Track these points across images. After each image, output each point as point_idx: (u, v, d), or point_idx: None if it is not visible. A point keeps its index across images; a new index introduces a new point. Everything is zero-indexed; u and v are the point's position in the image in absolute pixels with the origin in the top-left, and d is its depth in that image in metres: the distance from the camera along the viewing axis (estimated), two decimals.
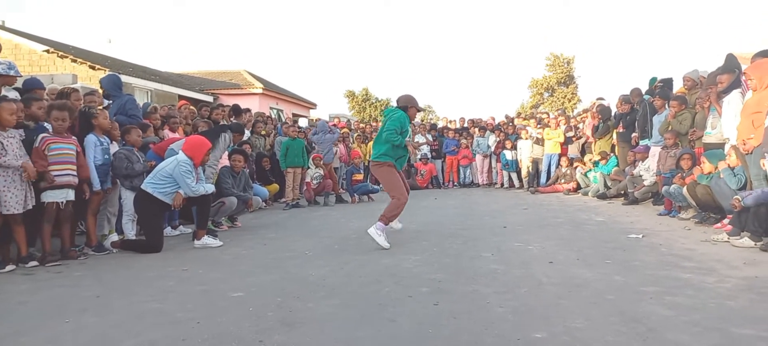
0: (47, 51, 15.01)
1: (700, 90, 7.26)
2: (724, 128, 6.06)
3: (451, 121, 15.18)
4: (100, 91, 6.67)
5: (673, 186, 6.68)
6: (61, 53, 15.02)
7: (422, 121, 19.36)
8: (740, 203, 4.78)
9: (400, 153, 5.29)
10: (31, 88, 5.73)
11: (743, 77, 5.78)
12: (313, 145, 10.19)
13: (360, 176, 10.35)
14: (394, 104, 5.66)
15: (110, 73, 8.08)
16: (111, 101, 6.37)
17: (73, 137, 4.81)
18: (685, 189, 6.31)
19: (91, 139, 5.04)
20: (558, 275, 3.75)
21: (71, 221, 4.86)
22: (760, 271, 3.76)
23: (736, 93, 5.86)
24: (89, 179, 4.91)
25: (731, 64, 6.21)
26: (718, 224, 5.71)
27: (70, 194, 4.66)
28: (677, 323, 2.69)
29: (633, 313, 2.87)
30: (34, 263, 4.42)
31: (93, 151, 5.01)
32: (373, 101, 38.92)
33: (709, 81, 7.01)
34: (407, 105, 5.40)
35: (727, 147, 5.98)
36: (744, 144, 5.33)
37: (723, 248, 4.66)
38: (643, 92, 9.43)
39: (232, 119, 8.77)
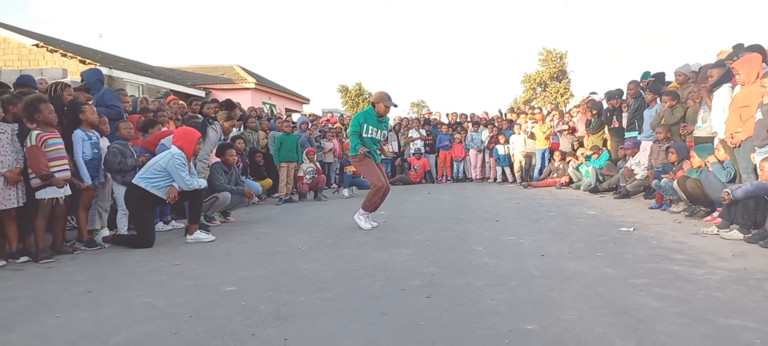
0: (37, 45, 14.83)
1: (693, 84, 7.31)
2: (713, 122, 6.11)
3: (448, 114, 15.14)
4: (81, 82, 6.59)
5: (663, 180, 6.73)
6: (50, 47, 14.85)
7: (417, 115, 19.37)
8: (730, 195, 4.83)
9: (371, 146, 5.75)
10: (25, 84, 5.67)
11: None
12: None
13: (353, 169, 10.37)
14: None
15: (92, 67, 8.02)
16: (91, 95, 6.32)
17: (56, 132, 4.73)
18: (675, 183, 6.36)
19: (78, 134, 4.98)
20: (549, 268, 3.77)
21: (63, 216, 4.83)
22: (748, 263, 3.80)
23: (725, 87, 5.91)
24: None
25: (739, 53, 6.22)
26: (708, 217, 5.76)
27: (67, 189, 4.62)
28: (666, 315, 2.71)
29: (623, 305, 2.89)
30: (25, 258, 4.39)
31: (81, 146, 4.95)
32: (367, 96, 38.82)
33: (701, 75, 7.06)
34: (374, 101, 5.80)
35: (716, 141, 6.03)
36: (732, 138, 5.38)
37: (712, 240, 4.71)
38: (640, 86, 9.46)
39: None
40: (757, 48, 5.86)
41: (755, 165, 5.08)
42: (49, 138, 4.49)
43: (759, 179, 4.84)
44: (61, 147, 4.58)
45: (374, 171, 5.69)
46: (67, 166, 4.62)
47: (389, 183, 5.97)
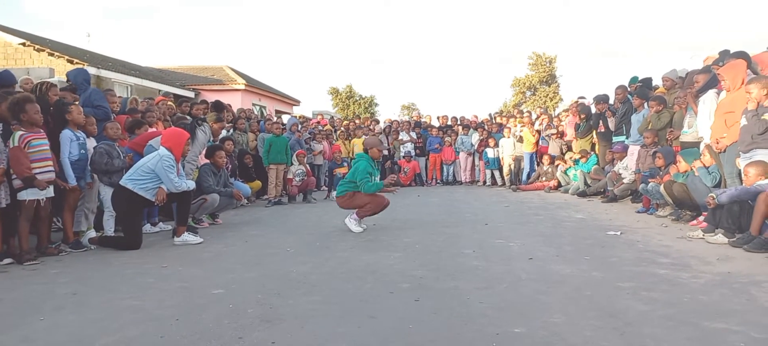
0: (23, 44, 14.64)
1: (679, 90, 7.39)
2: (699, 127, 6.19)
3: (439, 117, 15.15)
4: (67, 82, 6.50)
5: (650, 184, 6.80)
6: (37, 46, 14.66)
7: (408, 117, 19.39)
8: (715, 200, 4.89)
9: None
10: (6, 83, 5.58)
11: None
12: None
13: (344, 170, 10.33)
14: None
15: (78, 67, 7.90)
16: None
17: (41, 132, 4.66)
18: (662, 187, 6.44)
19: (66, 134, 4.92)
20: (537, 272, 3.79)
21: (48, 218, 4.77)
22: (733, 266, 3.86)
23: (711, 93, 5.99)
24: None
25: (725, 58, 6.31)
26: (694, 221, 5.83)
27: (50, 191, 4.55)
28: (652, 318, 2.74)
29: (610, 308, 2.92)
30: (9, 260, 4.32)
31: (68, 147, 4.89)
32: (357, 99, 38.87)
33: (687, 81, 7.15)
34: (368, 148, 6.14)
35: (702, 146, 6.11)
36: (717, 143, 5.45)
37: (698, 244, 4.76)
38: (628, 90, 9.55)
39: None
40: (742, 55, 5.95)
41: (740, 170, 5.15)
42: (34, 139, 4.42)
43: (743, 184, 4.92)
44: (45, 148, 4.51)
45: (372, 199, 5.80)
46: (52, 168, 4.55)
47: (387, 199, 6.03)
